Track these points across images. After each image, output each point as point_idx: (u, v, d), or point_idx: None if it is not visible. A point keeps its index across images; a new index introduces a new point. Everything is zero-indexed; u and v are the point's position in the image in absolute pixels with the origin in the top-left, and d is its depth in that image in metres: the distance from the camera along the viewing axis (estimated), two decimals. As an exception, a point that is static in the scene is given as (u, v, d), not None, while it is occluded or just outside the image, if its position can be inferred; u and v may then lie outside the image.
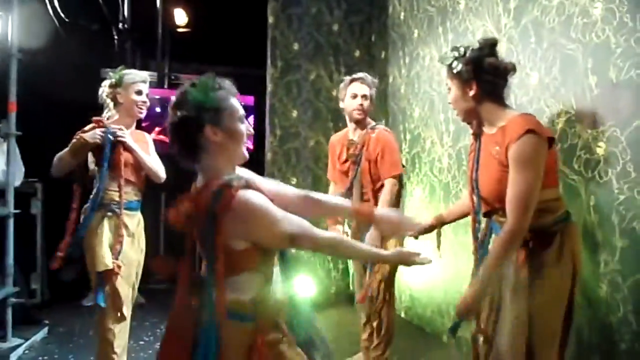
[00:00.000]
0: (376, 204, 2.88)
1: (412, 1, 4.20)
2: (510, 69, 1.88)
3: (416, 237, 2.34)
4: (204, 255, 1.42)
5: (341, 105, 3.04)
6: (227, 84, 1.45)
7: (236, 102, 1.44)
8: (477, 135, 1.97)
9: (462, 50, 1.87)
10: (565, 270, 1.82)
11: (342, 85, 3.03)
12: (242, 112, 1.45)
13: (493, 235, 1.99)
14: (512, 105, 2.77)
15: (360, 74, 3.00)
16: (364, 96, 2.93)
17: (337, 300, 4.73)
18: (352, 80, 2.97)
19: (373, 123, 3.02)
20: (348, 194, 2.94)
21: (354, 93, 2.94)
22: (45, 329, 3.88)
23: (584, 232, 2.27)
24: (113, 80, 2.67)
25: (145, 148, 2.75)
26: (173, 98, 1.43)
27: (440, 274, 3.58)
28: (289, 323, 1.48)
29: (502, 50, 2.93)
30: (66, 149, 2.59)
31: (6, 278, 3.48)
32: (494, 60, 1.86)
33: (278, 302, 1.45)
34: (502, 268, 1.83)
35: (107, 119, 2.67)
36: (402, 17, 4.43)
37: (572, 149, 2.36)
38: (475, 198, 1.96)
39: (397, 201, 2.97)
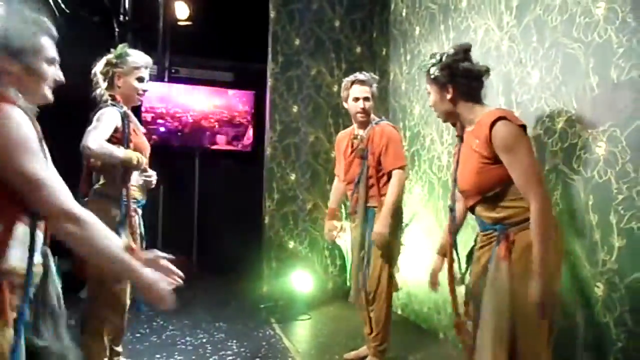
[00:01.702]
0: (383, 195, 2.95)
1: (414, -2, 4.19)
2: (484, 71, 1.98)
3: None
4: None
5: (345, 105, 3.12)
6: (43, 21, 1.36)
7: (47, 43, 1.35)
8: (460, 137, 2.07)
9: (438, 57, 1.99)
10: None
11: (343, 85, 3.08)
12: (52, 54, 1.37)
13: (478, 229, 2.06)
14: (513, 103, 2.81)
15: (360, 76, 3.03)
16: (366, 98, 2.99)
17: (334, 296, 4.75)
18: (352, 83, 3.02)
19: (377, 119, 3.09)
20: (356, 188, 3.01)
21: (355, 97, 3.00)
22: (43, 321, 3.88)
23: (582, 231, 2.28)
24: (113, 58, 2.40)
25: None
26: None
27: (437, 271, 3.58)
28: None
29: (504, 49, 2.93)
30: (118, 153, 2.29)
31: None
32: (468, 65, 1.96)
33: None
34: (547, 248, 1.75)
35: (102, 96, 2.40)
36: (403, 14, 4.43)
37: (571, 149, 2.36)
38: (453, 196, 2.11)
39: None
